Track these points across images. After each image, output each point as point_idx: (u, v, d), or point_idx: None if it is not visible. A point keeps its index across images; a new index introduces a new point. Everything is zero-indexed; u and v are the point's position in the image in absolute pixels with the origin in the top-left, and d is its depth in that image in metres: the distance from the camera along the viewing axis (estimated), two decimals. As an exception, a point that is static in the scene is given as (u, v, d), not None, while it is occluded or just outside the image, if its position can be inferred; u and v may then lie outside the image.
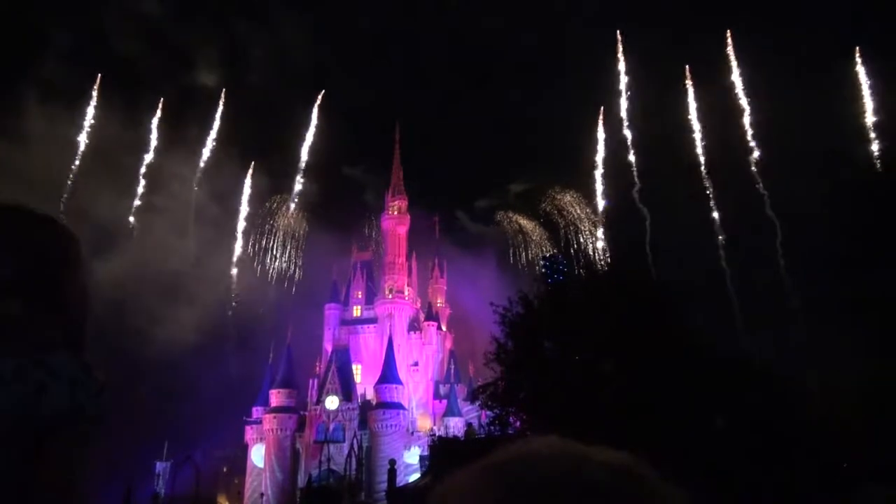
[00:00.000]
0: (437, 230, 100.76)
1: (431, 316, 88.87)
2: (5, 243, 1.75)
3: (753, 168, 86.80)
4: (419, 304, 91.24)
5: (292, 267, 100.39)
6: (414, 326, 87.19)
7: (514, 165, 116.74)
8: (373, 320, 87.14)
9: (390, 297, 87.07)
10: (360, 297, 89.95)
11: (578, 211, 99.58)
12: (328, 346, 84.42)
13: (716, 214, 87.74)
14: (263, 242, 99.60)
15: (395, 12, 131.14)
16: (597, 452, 0.73)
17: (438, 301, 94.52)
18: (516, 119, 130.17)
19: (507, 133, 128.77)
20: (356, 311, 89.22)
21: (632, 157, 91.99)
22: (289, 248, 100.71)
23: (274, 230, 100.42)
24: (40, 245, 1.79)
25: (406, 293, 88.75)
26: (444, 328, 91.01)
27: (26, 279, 1.74)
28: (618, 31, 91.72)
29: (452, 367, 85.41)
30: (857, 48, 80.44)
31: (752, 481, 20.23)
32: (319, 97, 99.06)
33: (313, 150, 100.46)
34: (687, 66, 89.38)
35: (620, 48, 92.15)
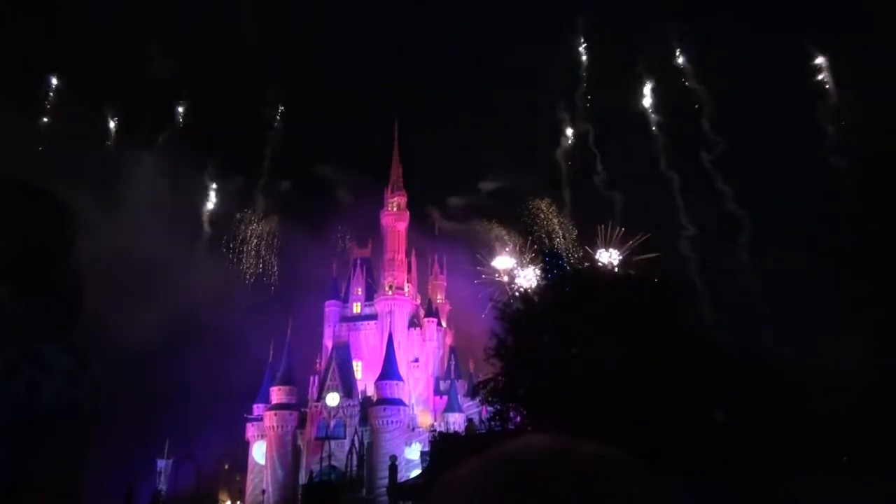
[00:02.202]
0: (436, 227, 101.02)
1: (431, 312, 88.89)
2: None
3: (708, 164, 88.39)
4: (419, 301, 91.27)
5: (269, 270, 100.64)
6: (414, 323, 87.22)
7: (484, 163, 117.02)
8: (373, 317, 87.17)
9: (390, 293, 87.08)
10: (359, 293, 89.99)
11: (553, 219, 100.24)
12: (328, 343, 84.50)
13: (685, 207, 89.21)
14: (236, 248, 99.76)
15: (371, 9, 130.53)
16: (583, 445, 0.78)
17: (438, 297, 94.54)
18: (487, 116, 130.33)
19: (477, 131, 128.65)
20: (356, 308, 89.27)
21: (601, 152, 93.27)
22: (262, 251, 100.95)
23: (248, 238, 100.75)
24: (34, 223, 1.61)
25: (406, 289, 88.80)
26: (444, 324, 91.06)
27: (17, 262, 1.58)
28: (580, 18, 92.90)
29: (453, 362, 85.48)
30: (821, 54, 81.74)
31: (749, 473, 20.28)
32: (280, 111, 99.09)
33: (284, 147, 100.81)
34: (643, 57, 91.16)
35: (583, 44, 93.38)
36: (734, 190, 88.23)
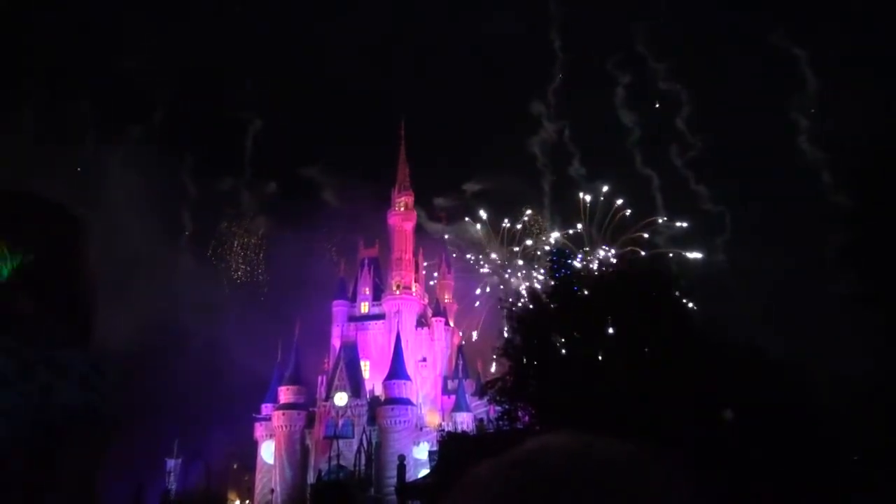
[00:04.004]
0: (436, 227, 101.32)
1: (439, 311, 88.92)
2: (15, 236, 1.65)
3: (678, 164, 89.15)
4: (426, 300, 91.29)
5: (265, 271, 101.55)
6: (421, 322, 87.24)
7: (468, 164, 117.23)
8: (380, 316, 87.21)
9: (398, 293, 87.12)
10: (367, 293, 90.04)
11: (539, 222, 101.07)
12: (336, 343, 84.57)
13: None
14: (234, 249, 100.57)
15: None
16: (602, 443, 0.78)
17: (446, 297, 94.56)
18: (468, 116, 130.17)
19: (458, 130, 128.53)
20: (364, 308, 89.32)
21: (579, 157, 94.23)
22: (250, 254, 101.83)
23: (234, 247, 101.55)
24: (52, 236, 1.70)
25: (413, 289, 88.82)
26: (451, 324, 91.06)
27: (37, 274, 1.65)
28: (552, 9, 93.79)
29: (460, 362, 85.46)
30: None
31: (759, 471, 20.19)
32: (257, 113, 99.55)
33: (267, 148, 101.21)
34: (616, 54, 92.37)
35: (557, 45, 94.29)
36: (717, 189, 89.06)
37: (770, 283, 78.58)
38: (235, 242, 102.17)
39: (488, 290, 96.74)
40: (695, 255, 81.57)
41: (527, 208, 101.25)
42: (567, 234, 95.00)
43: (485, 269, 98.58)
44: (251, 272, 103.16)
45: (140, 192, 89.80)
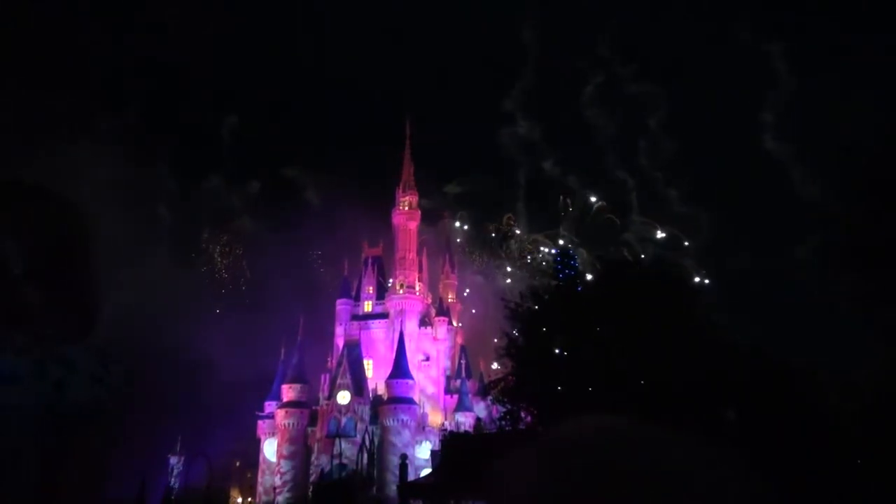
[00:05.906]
0: (445, 225, 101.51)
1: (442, 311, 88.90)
2: (23, 228, 1.63)
3: (649, 165, 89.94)
4: (430, 300, 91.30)
5: (241, 282, 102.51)
6: (425, 321, 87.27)
7: (451, 165, 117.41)
8: (384, 315, 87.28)
9: (401, 292, 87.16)
10: (370, 292, 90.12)
11: (519, 237, 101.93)
12: (339, 342, 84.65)
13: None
14: (209, 256, 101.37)
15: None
16: (639, 425, 0.73)
17: (449, 296, 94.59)
18: (452, 117, 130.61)
19: (442, 131, 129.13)
20: (367, 307, 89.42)
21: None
22: (235, 257, 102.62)
23: (215, 253, 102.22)
24: (59, 230, 1.68)
25: (417, 288, 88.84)
26: (454, 323, 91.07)
27: (44, 267, 1.63)
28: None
29: (463, 361, 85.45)
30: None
31: (763, 475, 20.12)
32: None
33: (254, 148, 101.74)
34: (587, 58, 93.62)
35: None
36: (688, 190, 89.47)
37: (751, 284, 78.91)
38: (217, 249, 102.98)
39: (467, 292, 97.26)
40: (700, 278, 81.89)
41: (507, 215, 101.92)
42: (547, 236, 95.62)
43: (473, 271, 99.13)
44: (235, 276, 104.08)
45: (118, 189, 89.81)
